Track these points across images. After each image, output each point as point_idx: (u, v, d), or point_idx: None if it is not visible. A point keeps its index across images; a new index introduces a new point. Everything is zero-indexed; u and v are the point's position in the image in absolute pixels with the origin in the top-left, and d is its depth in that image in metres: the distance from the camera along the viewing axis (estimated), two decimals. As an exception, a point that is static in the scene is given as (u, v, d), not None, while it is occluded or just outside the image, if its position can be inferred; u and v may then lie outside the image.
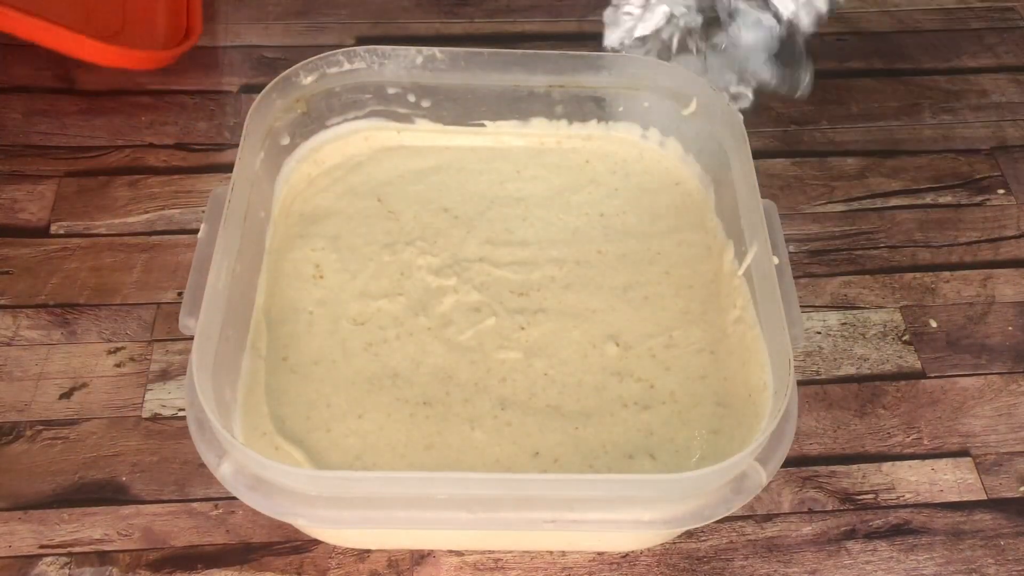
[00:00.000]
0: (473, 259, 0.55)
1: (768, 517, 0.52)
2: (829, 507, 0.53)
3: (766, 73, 0.51)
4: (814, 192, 0.67)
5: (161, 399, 0.55)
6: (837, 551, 0.51)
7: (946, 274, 0.63)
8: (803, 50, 0.54)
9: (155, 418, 0.54)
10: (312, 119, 0.58)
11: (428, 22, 0.76)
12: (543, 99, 0.59)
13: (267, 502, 0.41)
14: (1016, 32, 0.79)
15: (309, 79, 0.56)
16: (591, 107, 0.59)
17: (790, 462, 0.54)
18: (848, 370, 0.58)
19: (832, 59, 0.76)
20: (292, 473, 0.40)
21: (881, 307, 0.61)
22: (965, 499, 0.54)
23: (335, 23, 0.77)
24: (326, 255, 0.55)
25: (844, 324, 0.60)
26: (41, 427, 0.54)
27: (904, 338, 0.60)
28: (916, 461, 0.55)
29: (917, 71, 0.76)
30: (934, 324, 0.61)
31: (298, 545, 0.50)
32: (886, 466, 0.55)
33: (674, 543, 0.51)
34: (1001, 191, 0.68)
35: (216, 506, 0.51)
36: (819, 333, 0.60)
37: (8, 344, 0.57)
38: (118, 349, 0.57)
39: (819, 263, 0.63)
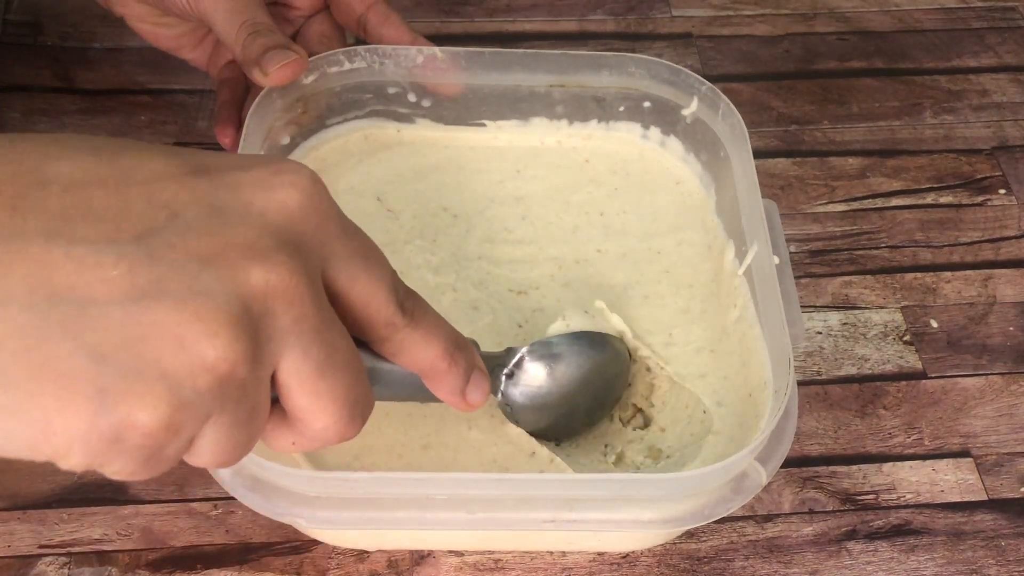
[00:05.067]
0: (472, 257, 0.55)
1: (769, 517, 0.52)
2: (830, 507, 0.53)
3: None
4: (815, 192, 0.67)
5: (160, 399, 0.55)
6: (838, 552, 0.51)
7: (947, 274, 0.63)
8: None
9: (154, 418, 0.54)
10: (312, 118, 0.58)
11: (428, 21, 0.76)
12: (543, 99, 0.59)
13: (266, 503, 0.41)
14: (1017, 32, 0.79)
15: (309, 78, 0.56)
16: (592, 107, 0.59)
17: (791, 462, 0.54)
18: (849, 370, 0.58)
19: (833, 58, 0.76)
20: (291, 474, 0.40)
21: (882, 307, 0.61)
22: (966, 499, 0.53)
23: (335, 23, 0.77)
24: (325, 254, 0.55)
25: (845, 324, 0.60)
26: (40, 427, 0.54)
27: (905, 338, 0.60)
28: (917, 461, 0.55)
29: (918, 71, 0.75)
30: (935, 324, 0.61)
31: (298, 545, 0.50)
32: (887, 466, 0.54)
33: (674, 543, 0.51)
34: (1002, 191, 0.68)
35: (215, 506, 0.51)
36: (820, 333, 0.60)
37: (7, 344, 0.57)
38: (117, 349, 0.57)
39: (820, 263, 0.63)
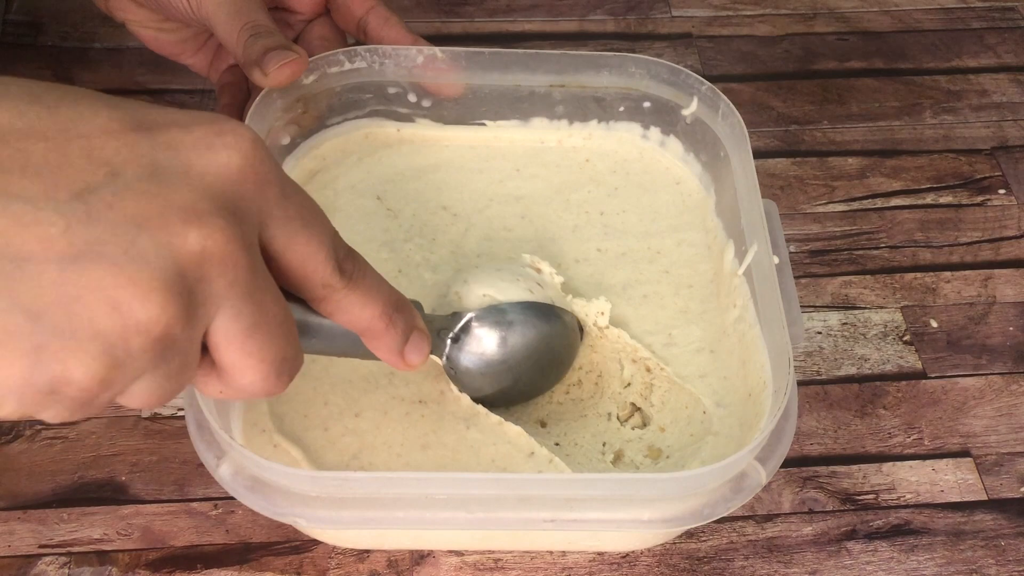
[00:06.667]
0: (471, 256, 0.55)
1: (768, 517, 0.52)
2: (830, 507, 0.53)
3: None
4: (814, 192, 0.67)
5: (160, 399, 0.55)
6: (838, 551, 0.51)
7: (947, 274, 0.63)
8: None
9: (154, 418, 0.54)
10: (312, 118, 0.58)
11: (428, 21, 0.76)
12: (544, 99, 0.59)
13: (266, 503, 0.41)
14: (1017, 32, 0.79)
15: (309, 78, 0.56)
16: (592, 107, 0.59)
17: (790, 462, 0.54)
18: (849, 370, 0.58)
19: (833, 59, 0.76)
20: (291, 474, 0.40)
21: (882, 307, 0.61)
22: (966, 499, 0.53)
23: (335, 23, 0.77)
24: (325, 254, 0.54)
25: (845, 324, 0.60)
26: (41, 426, 0.54)
27: (905, 338, 0.60)
28: (917, 461, 0.55)
29: (918, 71, 0.75)
30: (935, 324, 0.61)
31: (298, 545, 0.50)
32: (887, 466, 0.54)
33: (674, 543, 0.51)
34: (1002, 191, 0.68)
35: (216, 506, 0.51)
36: (820, 333, 0.60)
37: (7, 343, 0.57)
38: (117, 348, 0.57)
39: (819, 263, 0.63)
